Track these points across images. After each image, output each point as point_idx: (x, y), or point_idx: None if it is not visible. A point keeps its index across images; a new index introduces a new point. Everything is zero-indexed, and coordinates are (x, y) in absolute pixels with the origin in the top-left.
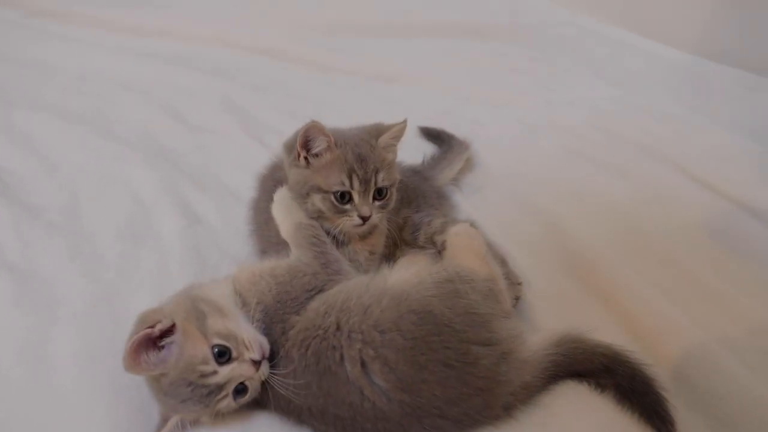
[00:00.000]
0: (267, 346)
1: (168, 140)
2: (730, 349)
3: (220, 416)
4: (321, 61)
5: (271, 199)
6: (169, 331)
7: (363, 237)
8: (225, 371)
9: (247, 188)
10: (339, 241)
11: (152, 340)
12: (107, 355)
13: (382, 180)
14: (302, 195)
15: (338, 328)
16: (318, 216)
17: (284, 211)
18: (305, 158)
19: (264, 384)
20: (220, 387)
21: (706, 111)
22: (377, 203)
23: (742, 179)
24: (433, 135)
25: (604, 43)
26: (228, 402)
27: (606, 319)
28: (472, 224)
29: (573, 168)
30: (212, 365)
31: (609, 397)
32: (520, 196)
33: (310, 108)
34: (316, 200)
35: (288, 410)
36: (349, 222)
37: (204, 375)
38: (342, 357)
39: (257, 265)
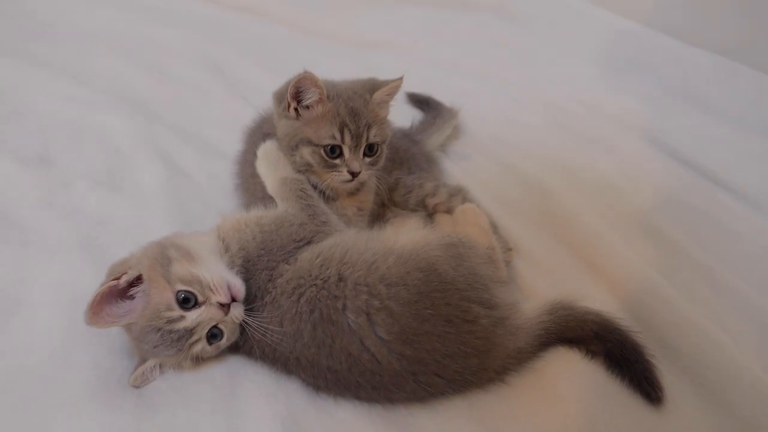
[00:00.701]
0: (239, 289)
1: (146, 92)
2: (715, 320)
3: (200, 361)
4: (304, 23)
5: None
6: (138, 281)
7: (351, 193)
8: (192, 316)
9: (230, 143)
10: (327, 197)
11: (120, 291)
12: (86, 298)
13: (374, 136)
14: (291, 147)
15: (341, 279)
16: (306, 170)
17: (269, 166)
18: (296, 110)
19: (248, 332)
20: (190, 331)
21: (685, 93)
22: (367, 159)
23: (720, 159)
24: (421, 101)
25: (588, 21)
26: (202, 346)
27: (595, 287)
28: (473, 201)
29: (558, 141)
30: (177, 311)
31: (599, 364)
32: (507, 164)
33: (293, 68)
34: (305, 153)
35: (274, 359)
36: (338, 177)
37: (171, 321)
38: (345, 307)
39: (243, 214)
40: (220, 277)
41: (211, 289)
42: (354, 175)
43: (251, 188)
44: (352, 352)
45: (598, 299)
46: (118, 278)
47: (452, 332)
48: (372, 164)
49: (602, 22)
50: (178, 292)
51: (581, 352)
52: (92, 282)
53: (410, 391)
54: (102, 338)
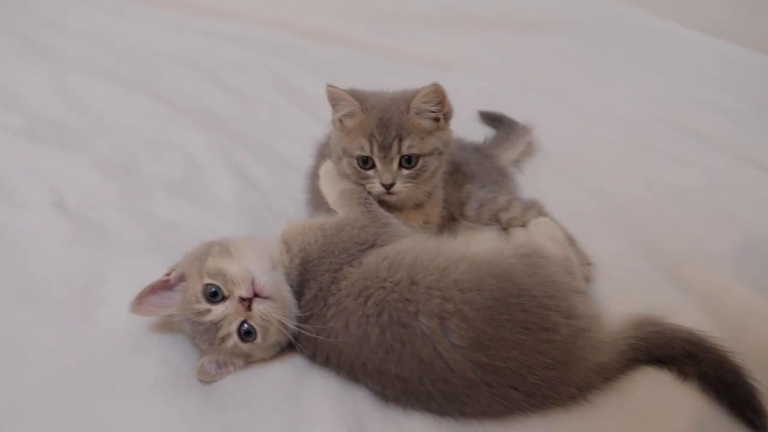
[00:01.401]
0: (263, 285)
1: (222, 110)
2: None
3: (252, 360)
4: (373, 45)
5: None
6: (185, 277)
7: (417, 205)
8: (218, 310)
9: (302, 158)
10: (390, 208)
11: (170, 286)
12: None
13: (408, 147)
14: (338, 158)
15: (412, 282)
16: (351, 179)
17: (330, 183)
18: (339, 120)
19: (312, 338)
20: (216, 325)
21: (762, 104)
22: (405, 172)
23: None
24: (493, 119)
25: (661, 37)
26: (234, 342)
27: (683, 304)
28: (547, 215)
29: (635, 156)
30: (204, 304)
31: (693, 387)
32: (583, 180)
33: (365, 86)
34: (345, 164)
35: (339, 364)
36: (373, 189)
37: (199, 313)
38: (417, 311)
39: (308, 220)
40: (244, 270)
41: (234, 283)
42: (386, 187)
43: (320, 202)
44: (424, 357)
45: (688, 317)
46: (168, 275)
47: (529, 340)
48: (412, 177)
49: (677, 37)
50: (206, 285)
51: (672, 374)
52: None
53: (485, 404)
54: (173, 337)
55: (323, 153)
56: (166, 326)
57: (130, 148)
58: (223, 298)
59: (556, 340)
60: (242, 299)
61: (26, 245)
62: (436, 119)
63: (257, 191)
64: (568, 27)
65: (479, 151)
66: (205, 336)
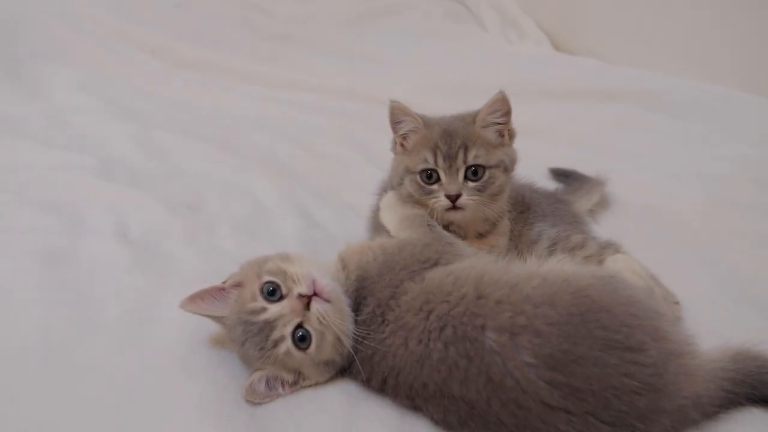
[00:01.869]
0: (324, 286)
1: (293, 162)
2: None
3: (306, 381)
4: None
5: None
6: (239, 285)
7: (481, 235)
8: (275, 308)
9: (366, 204)
10: (454, 233)
11: (223, 294)
12: (212, 324)
13: (474, 158)
14: (399, 183)
15: (479, 297)
16: (413, 201)
17: (390, 211)
18: (401, 145)
19: (368, 358)
20: (270, 325)
21: None
22: (471, 184)
23: None
24: (565, 174)
25: (738, 107)
26: (287, 347)
27: None
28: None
29: (724, 212)
30: (260, 302)
31: None
32: (662, 230)
33: None
34: (407, 183)
35: (396, 387)
36: (438, 204)
37: (253, 312)
38: (485, 325)
39: (367, 241)
40: (307, 271)
41: (294, 281)
42: (451, 199)
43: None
44: (492, 376)
45: None
46: (224, 282)
47: (613, 359)
48: (479, 190)
49: (753, 105)
50: (265, 282)
51: None
52: None
53: None
54: (222, 359)
55: (385, 188)
56: (218, 344)
57: (200, 190)
58: (281, 298)
59: (643, 362)
60: (301, 296)
61: (88, 269)
62: (501, 135)
63: (321, 231)
64: (642, 98)
65: (552, 195)
66: (256, 339)
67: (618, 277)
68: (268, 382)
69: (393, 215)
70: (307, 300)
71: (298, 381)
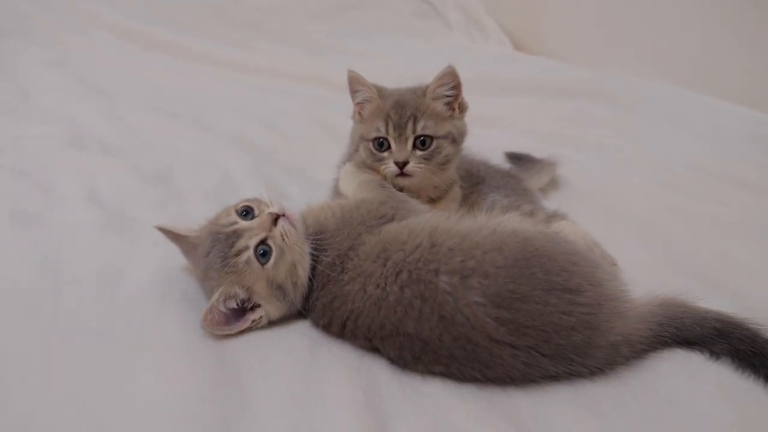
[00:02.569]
0: (292, 212)
1: (261, 141)
2: None
3: (256, 299)
4: None
5: None
6: None
7: (432, 200)
8: (244, 223)
9: (332, 180)
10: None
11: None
12: (181, 275)
13: (422, 128)
14: (355, 150)
15: (433, 245)
16: (366, 167)
17: (349, 180)
18: (359, 113)
19: (329, 304)
20: (237, 233)
21: None
22: (419, 153)
23: None
24: (518, 157)
25: (685, 103)
26: (248, 256)
27: (712, 302)
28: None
29: (665, 194)
30: (233, 217)
31: (725, 365)
32: (612, 208)
33: None
34: (361, 150)
35: (355, 330)
36: (388, 170)
37: (225, 225)
38: (438, 270)
39: (327, 201)
40: (279, 202)
41: (267, 204)
42: (399, 166)
43: None
44: (445, 314)
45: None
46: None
47: (553, 299)
48: (426, 158)
49: (698, 102)
50: (241, 206)
51: (703, 355)
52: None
53: (508, 366)
54: (191, 306)
55: (344, 161)
56: (188, 270)
57: (170, 163)
58: (253, 219)
59: (581, 302)
60: (271, 214)
61: (60, 229)
62: (452, 108)
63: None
64: (595, 94)
65: (506, 171)
66: (221, 246)
67: (561, 234)
68: (225, 302)
69: (351, 181)
70: (275, 217)
71: (250, 298)
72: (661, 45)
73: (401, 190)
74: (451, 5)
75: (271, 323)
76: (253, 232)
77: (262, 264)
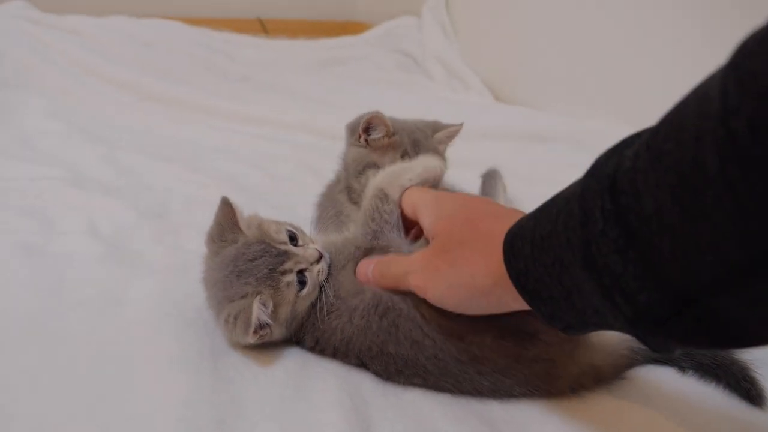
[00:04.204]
0: (326, 255)
1: (251, 182)
2: None
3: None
4: None
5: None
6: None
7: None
8: (293, 248)
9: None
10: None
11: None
12: (179, 298)
13: None
14: (359, 170)
15: None
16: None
17: None
18: (365, 140)
19: (320, 336)
20: (287, 255)
21: None
22: None
23: None
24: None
25: None
26: (292, 279)
27: None
28: None
29: None
30: (284, 236)
31: (691, 378)
32: None
33: None
34: (371, 175)
35: (347, 352)
36: None
37: (276, 241)
38: (404, 300)
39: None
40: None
41: (310, 241)
42: None
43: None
44: (415, 338)
45: None
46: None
47: (508, 341)
48: None
49: None
50: (289, 229)
51: (672, 371)
52: (182, 292)
53: (476, 383)
54: (188, 324)
55: (323, 200)
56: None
57: (166, 202)
58: (296, 245)
59: (541, 338)
60: (318, 251)
61: (62, 259)
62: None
63: None
64: (568, 139)
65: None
66: (271, 259)
67: None
68: (266, 306)
69: None
70: (320, 256)
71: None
72: (635, 94)
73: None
74: (432, 59)
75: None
76: (298, 259)
77: (297, 291)
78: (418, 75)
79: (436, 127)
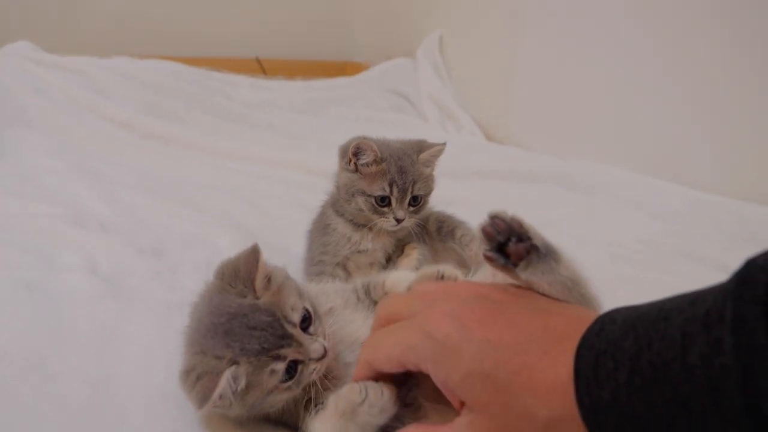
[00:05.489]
0: (330, 354)
1: (247, 220)
2: None
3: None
4: None
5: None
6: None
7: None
8: (301, 335)
9: None
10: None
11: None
12: (173, 335)
13: (417, 189)
14: (349, 195)
15: None
16: (359, 214)
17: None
18: (355, 164)
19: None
20: (288, 341)
21: (743, 237)
22: (411, 209)
23: None
24: None
25: (646, 189)
26: (279, 369)
27: None
28: None
29: (618, 267)
30: (297, 316)
31: None
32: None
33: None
34: (360, 201)
35: None
36: (386, 223)
37: (286, 319)
38: None
39: None
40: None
41: (323, 334)
42: (399, 221)
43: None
44: None
45: None
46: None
47: None
48: (415, 212)
49: (645, 183)
50: (305, 308)
51: None
52: (177, 329)
53: None
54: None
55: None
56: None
57: (163, 239)
58: (308, 327)
59: None
60: (324, 348)
61: (61, 296)
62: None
63: None
64: (558, 178)
65: None
66: (265, 336)
67: None
68: (235, 380)
69: None
70: (323, 355)
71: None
72: (620, 134)
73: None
74: (427, 99)
75: None
76: (300, 350)
77: (279, 382)
78: (412, 115)
79: (421, 147)
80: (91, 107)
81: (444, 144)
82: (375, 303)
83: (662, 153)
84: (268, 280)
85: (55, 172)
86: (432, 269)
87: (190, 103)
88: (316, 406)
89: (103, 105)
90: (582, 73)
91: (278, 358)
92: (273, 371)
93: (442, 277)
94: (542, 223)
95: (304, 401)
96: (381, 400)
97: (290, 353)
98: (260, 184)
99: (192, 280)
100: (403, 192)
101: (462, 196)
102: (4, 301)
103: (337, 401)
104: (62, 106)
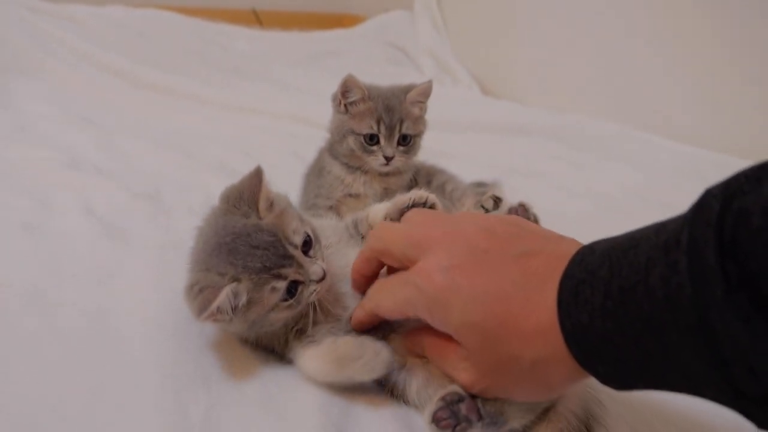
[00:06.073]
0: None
1: (242, 168)
2: None
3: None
4: None
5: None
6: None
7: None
8: (301, 257)
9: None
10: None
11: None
12: (169, 273)
13: (406, 128)
14: (340, 136)
15: None
16: (351, 154)
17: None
18: (345, 106)
19: None
20: (291, 261)
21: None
22: (401, 148)
23: None
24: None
25: (628, 140)
26: (280, 286)
27: None
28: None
29: (604, 218)
30: (299, 239)
31: None
32: (553, 228)
33: None
34: (350, 141)
35: None
36: (375, 161)
37: (288, 240)
38: None
39: None
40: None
41: (323, 258)
42: (388, 159)
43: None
44: None
45: None
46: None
47: None
48: (405, 152)
49: (641, 139)
50: (306, 233)
51: None
52: (175, 267)
53: None
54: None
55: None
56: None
57: (158, 185)
58: (308, 251)
59: None
60: (324, 271)
61: (60, 236)
62: (420, 109)
63: None
64: (548, 131)
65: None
66: (267, 255)
67: None
68: (233, 296)
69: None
70: (322, 277)
71: (237, 307)
72: (613, 89)
73: (385, 175)
74: (423, 53)
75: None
76: (301, 270)
77: (280, 300)
78: (409, 68)
79: (409, 89)
80: (86, 56)
81: (430, 81)
82: (363, 238)
83: (652, 108)
84: (271, 203)
85: (49, 118)
86: (404, 198)
87: (185, 54)
88: (307, 337)
89: (98, 54)
90: (577, 30)
91: (279, 276)
92: (274, 289)
93: (423, 205)
94: (534, 174)
95: (294, 330)
96: (374, 360)
97: (291, 273)
98: (255, 134)
99: (185, 223)
100: (390, 129)
101: (455, 150)
102: (3, 241)
103: (335, 348)
104: (57, 54)
